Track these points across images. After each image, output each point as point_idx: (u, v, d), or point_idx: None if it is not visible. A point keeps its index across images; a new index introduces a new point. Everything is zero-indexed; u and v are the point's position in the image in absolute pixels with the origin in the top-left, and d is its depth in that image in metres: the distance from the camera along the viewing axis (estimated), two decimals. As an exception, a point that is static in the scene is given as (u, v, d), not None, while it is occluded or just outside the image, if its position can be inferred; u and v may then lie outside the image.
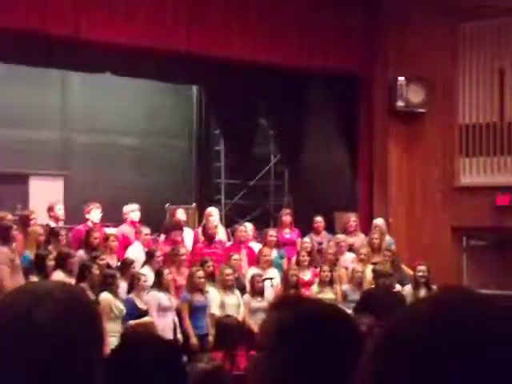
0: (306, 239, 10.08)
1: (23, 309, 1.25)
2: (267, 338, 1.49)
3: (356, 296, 8.94)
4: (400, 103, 11.50)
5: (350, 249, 10.14)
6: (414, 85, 11.49)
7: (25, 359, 1.24)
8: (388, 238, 10.46)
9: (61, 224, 9.75)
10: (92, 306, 1.37)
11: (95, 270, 7.80)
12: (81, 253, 8.60)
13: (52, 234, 8.85)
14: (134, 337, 2.16)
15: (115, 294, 7.77)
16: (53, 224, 9.51)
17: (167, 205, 12.55)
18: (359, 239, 10.35)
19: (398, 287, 9.15)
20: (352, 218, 10.66)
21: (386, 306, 7.57)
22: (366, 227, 10.72)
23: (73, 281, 7.33)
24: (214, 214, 10.45)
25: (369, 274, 9.29)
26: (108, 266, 8.36)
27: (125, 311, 7.74)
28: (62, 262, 7.91)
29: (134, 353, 1.87)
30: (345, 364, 1.40)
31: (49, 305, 1.27)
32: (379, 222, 10.54)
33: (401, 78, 11.45)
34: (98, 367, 1.32)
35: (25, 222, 8.82)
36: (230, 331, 6.89)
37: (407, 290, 9.05)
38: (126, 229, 9.76)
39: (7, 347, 1.25)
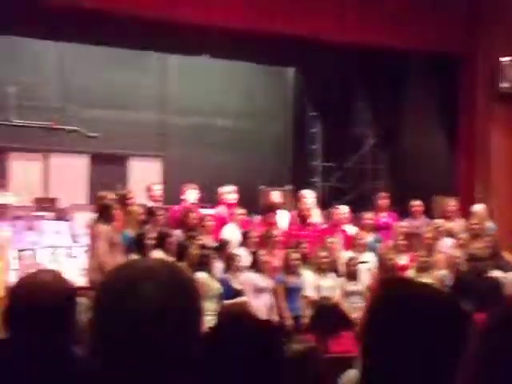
0: (403, 223, 9.92)
1: (129, 284, 1.28)
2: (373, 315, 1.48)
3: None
4: (504, 84, 11.10)
5: (449, 234, 9.90)
6: (519, 65, 11.06)
7: (130, 333, 1.26)
8: (489, 223, 10.15)
9: (159, 204, 9.94)
10: (192, 283, 1.39)
11: (193, 250, 7.92)
12: (178, 232, 8.75)
13: (150, 213, 9.02)
14: (232, 316, 2.16)
15: (211, 273, 7.87)
16: (151, 204, 9.71)
17: (262, 186, 12.62)
18: (458, 224, 10.09)
19: (496, 273, 8.88)
20: (452, 203, 10.41)
21: (478, 291, 7.37)
22: (466, 212, 10.44)
23: (171, 260, 7.46)
24: (307, 195, 10.42)
25: (468, 260, 9.06)
26: (204, 246, 8.48)
27: (221, 290, 7.83)
28: (162, 242, 8.08)
29: (232, 331, 1.87)
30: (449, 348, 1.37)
31: (153, 280, 1.29)
32: (478, 208, 10.25)
33: (505, 58, 11.03)
34: (197, 343, 1.34)
35: (124, 201, 9.04)
36: (327, 314, 6.88)
37: (510, 277, 8.76)
38: (221, 210, 9.85)
39: (113, 320, 1.27)
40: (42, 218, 12.10)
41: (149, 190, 9.95)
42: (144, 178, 11.98)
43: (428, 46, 11.16)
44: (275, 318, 8.17)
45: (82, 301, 2.63)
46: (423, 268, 8.90)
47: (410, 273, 9.00)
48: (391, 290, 1.53)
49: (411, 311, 1.43)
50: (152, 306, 1.27)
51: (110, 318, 1.29)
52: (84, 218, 10.73)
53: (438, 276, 9.00)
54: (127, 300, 1.27)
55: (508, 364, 0.77)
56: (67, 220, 12.17)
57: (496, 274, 8.86)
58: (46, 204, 12.54)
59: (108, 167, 13.85)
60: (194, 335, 1.33)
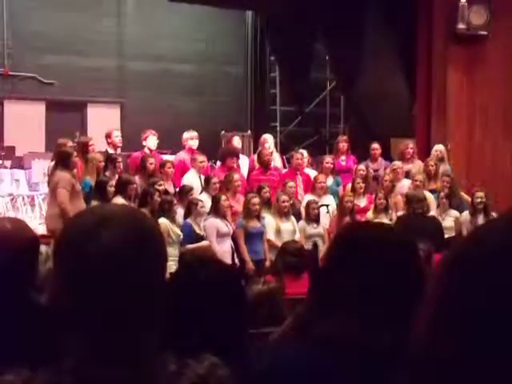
0: (361, 166, 9.99)
1: (91, 230, 1.28)
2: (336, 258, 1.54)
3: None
4: (461, 25, 11.13)
5: (407, 176, 10.03)
6: (476, 6, 11.08)
7: (91, 280, 1.26)
8: (445, 164, 10.29)
9: (118, 151, 9.88)
10: (155, 229, 1.39)
11: (157, 197, 7.91)
12: (137, 179, 8.72)
13: (109, 160, 8.96)
14: (194, 259, 2.19)
15: (172, 219, 7.88)
16: (111, 151, 9.64)
17: (223, 132, 12.59)
18: (416, 166, 10.21)
19: (454, 213, 9.05)
20: (410, 145, 10.50)
21: (421, 232, 7.52)
22: (424, 154, 10.56)
23: (132, 206, 7.44)
24: (269, 140, 10.43)
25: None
26: (166, 192, 8.47)
27: (181, 236, 7.86)
28: (122, 188, 8.04)
29: (194, 275, 1.90)
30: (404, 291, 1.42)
31: (115, 226, 1.29)
32: (441, 147, 10.34)
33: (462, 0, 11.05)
34: (160, 288, 1.35)
35: (84, 148, 8.96)
36: (289, 256, 6.95)
37: (464, 216, 8.95)
38: (184, 155, 9.83)
39: (75, 267, 1.28)
40: (-2, 166, 11.94)
41: (108, 136, 9.87)
42: (103, 124, 11.84)
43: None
44: (237, 262, 8.25)
45: (43, 249, 2.63)
46: (381, 209, 9.02)
47: (369, 215, 9.14)
48: (350, 231, 1.58)
49: (369, 249, 1.48)
50: (113, 253, 1.27)
51: (71, 266, 1.28)
52: (42, 166, 10.63)
53: (395, 217, 9.15)
54: (88, 247, 1.27)
55: (460, 305, 0.80)
56: (25, 168, 12.03)
57: (453, 213, 9.04)
58: (2, 152, 12.36)
59: (65, 114, 13.65)
60: (158, 281, 1.34)
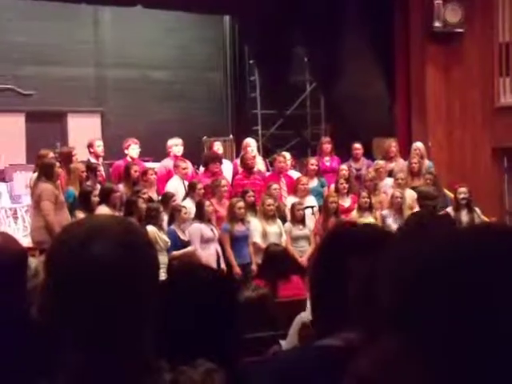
0: (343, 166, 10.04)
1: (82, 241, 1.28)
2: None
3: (395, 220, 8.90)
4: (437, 24, 11.21)
5: (390, 175, 10.08)
6: (451, 4, 11.17)
7: (84, 292, 1.26)
8: (427, 161, 10.36)
9: (100, 160, 9.86)
10: (145, 238, 1.40)
11: (141, 205, 7.90)
12: (121, 187, 8.71)
13: (90, 169, 8.95)
14: (183, 266, 2.19)
15: (159, 226, 7.87)
16: (93, 160, 9.62)
17: (204, 137, 12.58)
18: (399, 164, 10.28)
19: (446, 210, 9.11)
20: (393, 144, 10.56)
21: (433, 230, 7.54)
22: (405, 152, 10.62)
23: (117, 215, 7.43)
24: (251, 144, 10.45)
25: (408, 198, 9.25)
26: (150, 199, 8.46)
27: (169, 243, 7.86)
28: (106, 197, 8.02)
29: (187, 283, 1.90)
30: None
31: (106, 237, 1.29)
32: (419, 145, 10.42)
33: (438, -2, 11.13)
34: (154, 297, 1.35)
35: (66, 158, 8.93)
36: (276, 259, 6.97)
37: (448, 212, 9.01)
38: (168, 162, 9.82)
39: (67, 279, 1.28)
40: (-20, 180, 11.84)
41: (90, 146, 9.85)
42: (83, 134, 11.80)
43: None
44: (223, 267, 8.25)
45: (31, 264, 2.62)
46: (365, 208, 9.07)
47: (353, 214, 9.18)
48: (338, 230, 1.61)
49: (356, 246, 1.52)
50: (106, 263, 1.27)
51: (64, 278, 1.28)
52: (24, 178, 10.56)
53: (380, 215, 9.19)
54: (80, 258, 1.27)
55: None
56: (7, 181, 11.94)
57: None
58: (-17, 166, 12.27)
59: (45, 125, 13.58)
60: (151, 290, 1.34)
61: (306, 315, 2.48)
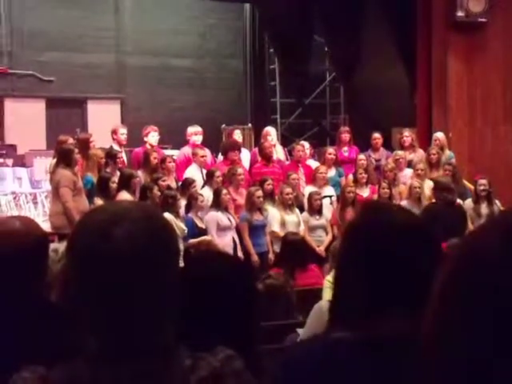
0: (362, 156, 9.99)
1: (104, 227, 1.28)
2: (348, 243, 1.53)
3: (414, 211, 8.85)
4: (460, 13, 11.10)
5: (409, 165, 10.02)
6: (474, -7, 11.07)
7: (105, 275, 1.27)
8: (448, 152, 10.28)
9: (123, 148, 9.86)
10: (167, 224, 1.40)
11: (156, 191, 7.92)
12: (140, 173, 8.72)
13: (110, 156, 8.96)
14: (202, 254, 2.19)
15: (177, 214, 7.88)
16: (116, 147, 9.62)
17: (223, 125, 12.58)
18: (418, 155, 10.21)
19: (458, 201, 9.05)
20: (405, 133, 10.46)
21: (448, 220, 7.50)
22: (426, 143, 10.55)
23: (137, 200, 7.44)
24: (271, 133, 10.42)
25: (427, 189, 9.20)
26: (168, 187, 8.47)
27: (186, 231, 7.87)
28: (127, 183, 8.04)
29: (205, 268, 1.90)
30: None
31: (127, 224, 1.29)
32: (439, 135, 10.34)
33: (461, -13, 11.03)
34: (174, 283, 1.35)
35: (84, 145, 8.95)
36: (294, 248, 6.96)
37: (468, 204, 8.95)
38: (188, 150, 9.80)
39: (88, 265, 1.28)
40: (0, 165, 11.95)
41: (114, 132, 9.84)
42: (103, 120, 11.85)
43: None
44: (240, 255, 8.25)
45: (59, 248, 2.63)
46: (385, 199, 9.02)
47: (373, 205, 9.13)
48: (369, 213, 1.57)
49: (388, 233, 1.48)
50: (127, 249, 1.27)
51: (85, 263, 1.29)
52: (44, 164, 10.63)
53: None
54: (101, 245, 1.27)
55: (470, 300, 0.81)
56: (27, 166, 12.04)
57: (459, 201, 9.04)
58: (3, 151, 12.36)
59: (65, 111, 13.65)
60: (172, 276, 1.34)
61: (324, 303, 2.48)
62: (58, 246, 2.52)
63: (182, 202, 8.14)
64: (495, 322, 0.77)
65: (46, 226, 8.22)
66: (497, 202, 8.93)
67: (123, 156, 9.44)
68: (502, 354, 0.75)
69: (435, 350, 0.82)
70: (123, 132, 9.84)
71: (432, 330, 0.83)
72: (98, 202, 7.53)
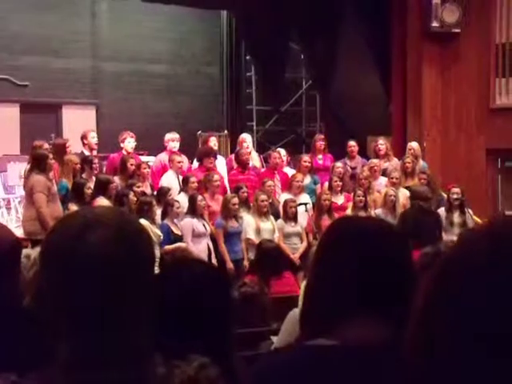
0: (338, 164, 10.04)
1: (78, 232, 1.27)
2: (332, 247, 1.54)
3: (388, 219, 8.91)
4: (435, 24, 11.22)
5: (384, 173, 10.09)
6: (449, 4, 11.18)
7: (80, 280, 1.25)
8: (421, 162, 10.38)
9: (94, 153, 9.82)
10: (143, 230, 1.39)
11: (132, 197, 7.89)
12: (116, 179, 8.68)
13: (85, 162, 8.91)
14: (177, 260, 2.18)
15: (152, 220, 7.86)
16: (87, 152, 9.57)
17: (199, 132, 12.56)
18: (393, 163, 10.28)
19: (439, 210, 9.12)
20: (380, 142, 10.54)
21: (423, 228, 7.56)
22: (400, 152, 10.63)
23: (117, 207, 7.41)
24: (246, 140, 10.44)
25: (402, 198, 9.27)
26: (143, 193, 8.44)
27: (162, 237, 7.84)
28: (103, 188, 8.00)
29: (180, 275, 1.89)
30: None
31: (102, 229, 1.28)
32: (414, 145, 10.44)
33: (436, -2, 11.14)
34: (149, 289, 1.34)
35: (60, 150, 8.89)
36: (269, 255, 6.97)
37: (440, 212, 9.02)
38: (164, 157, 9.78)
39: (63, 270, 1.27)
40: (-26, 170, 11.81)
41: (84, 137, 9.79)
42: (78, 126, 11.76)
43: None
44: (215, 262, 8.24)
45: (31, 254, 2.61)
46: (360, 207, 9.07)
47: (348, 213, 9.18)
48: (343, 224, 1.59)
49: (363, 242, 1.49)
50: (101, 254, 1.26)
51: (59, 268, 1.27)
52: (18, 169, 10.53)
53: (373, 215, 9.20)
54: (75, 250, 1.26)
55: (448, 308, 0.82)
56: (0, 171, 11.91)
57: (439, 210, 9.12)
58: (-24, 156, 12.23)
59: (40, 116, 13.53)
60: (146, 282, 1.33)
61: (298, 311, 2.48)
62: (31, 252, 2.50)
63: (158, 210, 8.13)
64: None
65: (19, 232, 8.14)
66: (469, 210, 9.01)
67: (96, 162, 9.40)
68: (500, 354, 0.76)
69: (422, 350, 0.82)
70: (93, 136, 9.80)
71: (418, 331, 0.83)
72: (73, 207, 7.48)
